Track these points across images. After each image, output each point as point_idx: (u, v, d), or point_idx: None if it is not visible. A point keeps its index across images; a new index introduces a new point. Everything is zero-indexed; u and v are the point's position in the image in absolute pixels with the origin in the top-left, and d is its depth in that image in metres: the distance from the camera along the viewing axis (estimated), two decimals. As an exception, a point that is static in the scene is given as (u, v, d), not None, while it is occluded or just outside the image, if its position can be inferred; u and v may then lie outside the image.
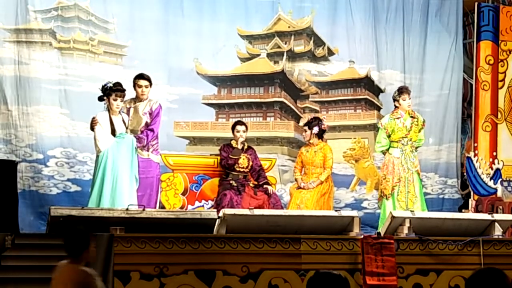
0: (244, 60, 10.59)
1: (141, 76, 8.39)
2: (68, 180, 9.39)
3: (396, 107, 8.98)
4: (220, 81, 10.43)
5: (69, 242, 5.05)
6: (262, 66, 10.68)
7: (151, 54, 9.92)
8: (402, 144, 8.85)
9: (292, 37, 10.80)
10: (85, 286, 4.80)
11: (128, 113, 8.24)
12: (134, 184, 7.82)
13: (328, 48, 10.91)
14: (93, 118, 7.90)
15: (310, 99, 10.86)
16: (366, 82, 11.03)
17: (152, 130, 8.24)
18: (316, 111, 10.68)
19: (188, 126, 10.22)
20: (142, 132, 8.21)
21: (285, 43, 10.78)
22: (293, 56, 10.80)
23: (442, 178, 11.07)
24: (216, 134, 10.30)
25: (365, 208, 10.63)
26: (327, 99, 10.96)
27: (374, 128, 10.72)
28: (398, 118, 8.91)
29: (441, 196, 11.02)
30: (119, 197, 7.62)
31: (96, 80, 9.11)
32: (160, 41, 10.03)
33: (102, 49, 9.76)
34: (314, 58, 10.89)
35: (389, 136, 8.91)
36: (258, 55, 10.67)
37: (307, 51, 10.86)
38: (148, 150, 8.25)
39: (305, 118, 10.23)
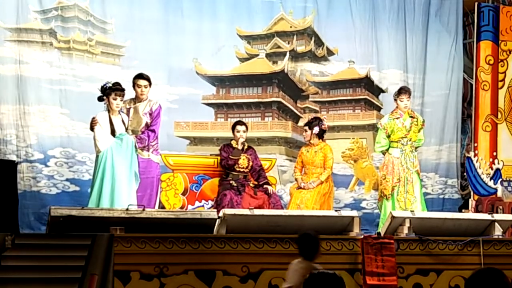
0: (243, 60, 10.59)
1: (140, 76, 8.39)
2: (67, 180, 9.39)
3: (396, 107, 9.03)
4: (218, 81, 10.43)
5: (304, 246, 5.94)
6: (261, 66, 10.68)
7: (151, 54, 9.91)
8: (402, 144, 8.87)
9: (295, 37, 10.80)
10: None
11: (128, 114, 8.24)
12: (133, 184, 7.82)
13: (328, 48, 10.90)
14: (93, 118, 7.90)
15: (310, 99, 10.86)
16: (366, 82, 11.03)
17: (153, 131, 8.25)
18: (316, 111, 10.69)
19: (188, 126, 10.22)
20: (143, 132, 8.21)
21: (288, 43, 10.78)
22: (295, 56, 10.80)
23: (442, 178, 11.07)
24: (216, 134, 10.30)
25: (364, 208, 10.63)
26: (327, 99, 10.96)
27: (373, 128, 10.73)
28: (397, 118, 8.93)
29: (441, 196, 11.02)
30: (119, 197, 7.62)
31: (94, 81, 9.12)
32: (160, 41, 10.02)
33: (99, 49, 9.76)
34: (315, 58, 10.89)
35: (388, 136, 8.92)
36: (257, 55, 10.67)
37: (308, 51, 10.86)
38: (148, 150, 8.25)
39: (306, 118, 10.24)
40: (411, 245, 7.08)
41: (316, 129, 9.08)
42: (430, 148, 10.94)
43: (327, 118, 9.76)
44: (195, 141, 10.26)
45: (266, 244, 6.70)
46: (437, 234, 7.21)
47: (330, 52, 10.93)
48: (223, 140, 9.76)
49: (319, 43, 10.90)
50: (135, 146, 7.93)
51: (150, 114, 8.29)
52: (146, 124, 8.27)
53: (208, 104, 10.39)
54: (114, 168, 7.68)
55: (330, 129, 9.69)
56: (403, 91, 9.03)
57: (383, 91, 11.06)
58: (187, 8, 10.17)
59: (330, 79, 10.95)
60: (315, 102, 10.87)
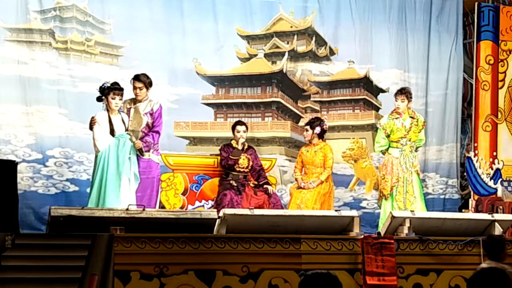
0: (243, 60, 10.59)
1: (136, 78, 8.32)
2: (66, 180, 9.39)
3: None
4: (218, 81, 10.43)
5: (490, 248, 6.38)
6: (260, 66, 10.67)
7: (151, 54, 9.91)
8: (401, 144, 8.87)
9: (295, 36, 10.79)
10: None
11: (128, 114, 8.22)
12: (133, 184, 7.82)
13: (330, 48, 10.90)
14: (92, 117, 7.90)
15: (311, 99, 10.86)
16: (365, 82, 11.03)
17: (157, 132, 8.22)
18: (317, 111, 10.69)
19: (188, 126, 10.21)
20: (147, 135, 8.15)
21: (287, 43, 10.77)
22: (295, 56, 10.79)
23: (443, 178, 11.07)
24: (216, 134, 10.30)
25: (364, 207, 10.63)
26: (327, 99, 10.96)
27: (372, 128, 10.74)
28: (397, 118, 8.93)
29: (442, 196, 11.01)
30: (117, 197, 7.62)
31: (93, 81, 9.12)
32: (160, 41, 10.01)
33: (98, 49, 9.75)
34: (315, 58, 10.88)
35: (388, 136, 8.92)
36: (256, 55, 10.66)
37: (309, 51, 10.85)
38: (149, 151, 8.23)
39: (306, 118, 10.23)
40: (411, 245, 7.08)
41: (317, 129, 9.08)
42: (431, 148, 10.94)
43: (327, 118, 9.76)
44: (195, 141, 10.25)
45: (266, 244, 6.69)
46: (437, 234, 7.21)
47: (331, 52, 10.93)
48: (222, 140, 9.76)
49: (320, 42, 10.89)
50: (142, 150, 7.93)
51: (151, 114, 8.26)
52: (147, 124, 8.24)
53: (208, 104, 10.39)
54: (112, 168, 7.68)
55: (330, 129, 9.70)
56: (399, 92, 9.07)
57: (383, 91, 11.05)
58: (187, 8, 10.17)
59: (330, 79, 10.95)
60: (315, 102, 10.87)
